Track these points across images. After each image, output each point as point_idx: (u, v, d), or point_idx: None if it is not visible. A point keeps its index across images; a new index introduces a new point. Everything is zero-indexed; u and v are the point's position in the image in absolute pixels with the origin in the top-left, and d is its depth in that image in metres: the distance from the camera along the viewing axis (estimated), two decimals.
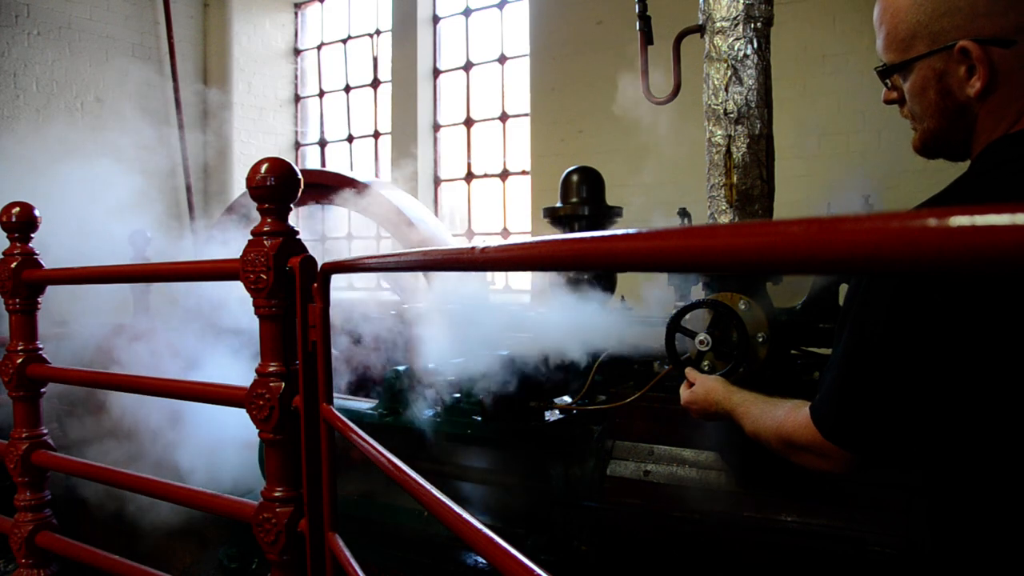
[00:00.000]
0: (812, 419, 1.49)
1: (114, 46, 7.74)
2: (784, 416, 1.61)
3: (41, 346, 2.74)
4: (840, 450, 1.45)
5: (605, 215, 3.15)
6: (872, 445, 1.42)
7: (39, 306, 2.76)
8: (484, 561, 2.55)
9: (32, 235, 2.70)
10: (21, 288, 2.63)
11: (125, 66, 7.52)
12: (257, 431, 1.98)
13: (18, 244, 2.66)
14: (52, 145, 7.48)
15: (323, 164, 8.93)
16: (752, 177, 2.39)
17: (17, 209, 2.66)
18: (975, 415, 1.27)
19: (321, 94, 9.04)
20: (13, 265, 2.61)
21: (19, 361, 2.64)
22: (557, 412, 2.71)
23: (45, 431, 2.75)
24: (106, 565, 2.53)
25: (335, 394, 1.96)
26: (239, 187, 8.05)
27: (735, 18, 2.37)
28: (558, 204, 3.18)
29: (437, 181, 7.92)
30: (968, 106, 1.34)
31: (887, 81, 1.50)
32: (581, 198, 3.13)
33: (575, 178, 3.15)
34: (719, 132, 2.41)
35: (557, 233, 3.01)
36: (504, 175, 7.45)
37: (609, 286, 3.09)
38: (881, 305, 1.32)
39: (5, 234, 2.69)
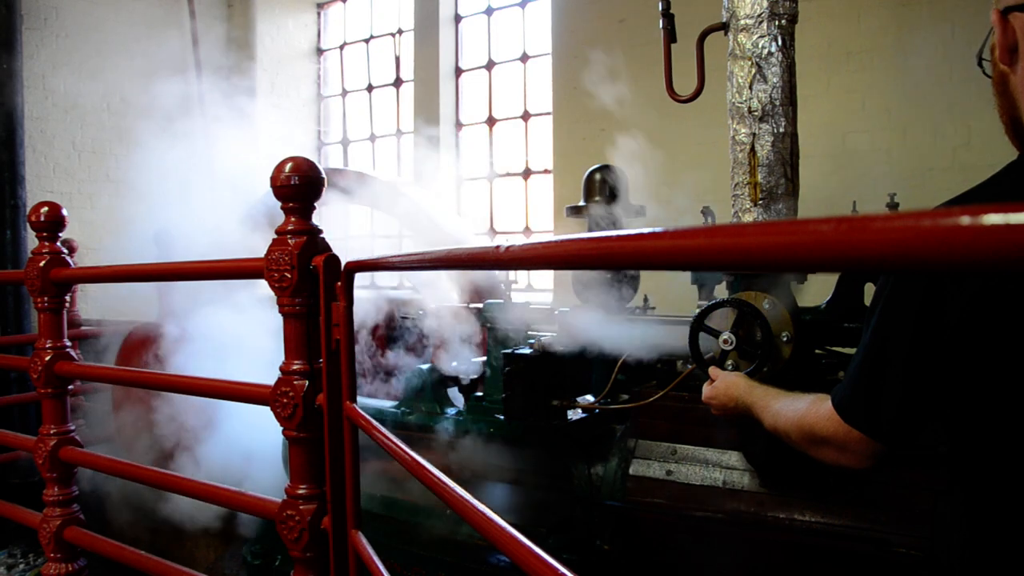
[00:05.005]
0: (834, 405, 1.48)
1: (140, 47, 7.80)
2: (806, 408, 1.60)
3: (68, 343, 2.77)
4: (861, 442, 1.44)
5: (628, 214, 3.15)
6: (893, 431, 1.41)
7: (67, 304, 2.79)
8: (507, 559, 2.56)
9: (60, 234, 2.73)
10: (49, 286, 2.66)
11: (151, 66, 7.58)
12: (281, 429, 1.99)
13: (46, 243, 2.69)
14: (80, 146, 7.58)
15: (346, 163, 8.96)
16: (776, 175, 2.38)
17: (46, 209, 2.69)
18: (1002, 412, 1.25)
19: (344, 93, 9.08)
20: (41, 264, 2.64)
21: (47, 358, 2.67)
22: (580, 411, 2.70)
23: (72, 427, 2.78)
24: (132, 560, 2.56)
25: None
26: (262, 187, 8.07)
27: (759, 15, 2.35)
28: (581, 203, 3.17)
29: (460, 180, 7.93)
30: (1007, 77, 1.31)
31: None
32: (604, 197, 3.12)
33: (598, 177, 3.14)
34: (743, 130, 2.40)
35: (580, 232, 3.00)
36: (526, 174, 7.44)
37: (632, 285, 3.08)
38: (909, 300, 1.31)
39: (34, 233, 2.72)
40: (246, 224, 4.23)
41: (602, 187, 3.12)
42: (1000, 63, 1.29)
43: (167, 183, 5.27)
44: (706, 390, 2.07)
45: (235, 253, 2.29)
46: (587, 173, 3.19)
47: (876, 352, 1.39)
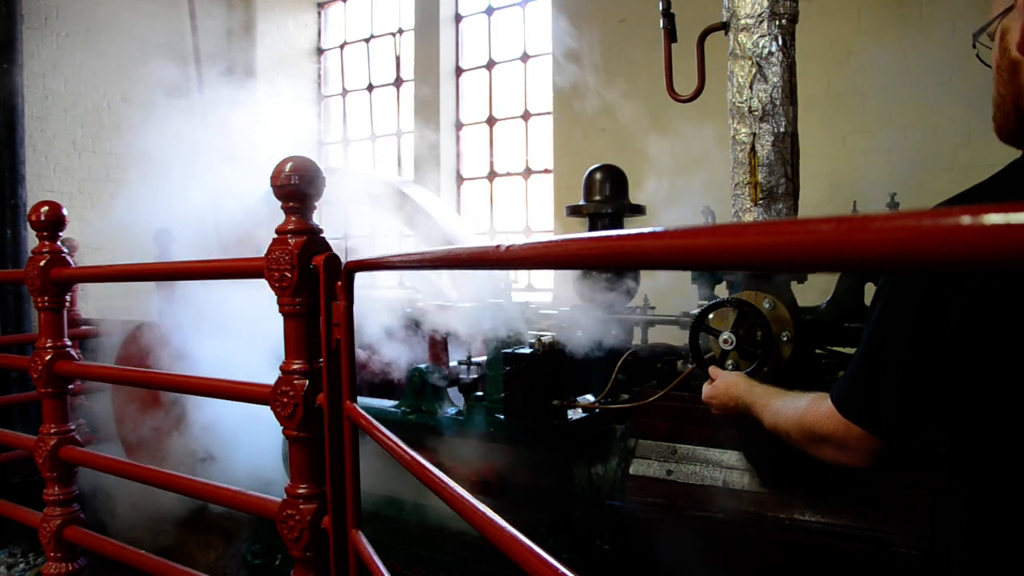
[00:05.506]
0: (833, 402, 1.48)
1: (140, 47, 7.81)
2: (806, 407, 1.60)
3: (68, 343, 2.77)
4: (861, 440, 1.44)
5: (628, 213, 3.15)
6: (893, 428, 1.40)
7: (67, 304, 2.78)
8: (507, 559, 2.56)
9: (60, 233, 2.73)
10: (49, 286, 2.66)
11: (151, 66, 7.58)
12: (281, 428, 1.99)
13: (47, 243, 2.69)
14: (80, 145, 7.57)
15: (346, 163, 8.96)
16: (777, 175, 2.37)
17: (46, 208, 2.69)
18: (1002, 413, 1.25)
19: (344, 93, 9.08)
20: (42, 263, 2.64)
21: (48, 358, 2.67)
22: (580, 411, 2.70)
23: (72, 427, 2.78)
24: (132, 560, 2.56)
25: None
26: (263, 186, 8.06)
27: (760, 15, 2.35)
28: (581, 202, 3.17)
29: (460, 179, 7.93)
30: (1018, 65, 1.26)
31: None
32: (604, 196, 3.12)
33: (598, 176, 3.14)
34: (744, 130, 2.39)
35: (580, 232, 3.00)
36: (527, 173, 7.44)
37: (632, 285, 3.08)
38: (909, 299, 1.31)
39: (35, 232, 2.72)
40: (249, 221, 4.22)
41: (602, 187, 3.13)
42: (1016, 49, 1.25)
43: (168, 182, 5.27)
44: (706, 390, 2.07)
45: (239, 250, 2.29)
46: (587, 173, 3.19)
47: (876, 350, 1.39)
